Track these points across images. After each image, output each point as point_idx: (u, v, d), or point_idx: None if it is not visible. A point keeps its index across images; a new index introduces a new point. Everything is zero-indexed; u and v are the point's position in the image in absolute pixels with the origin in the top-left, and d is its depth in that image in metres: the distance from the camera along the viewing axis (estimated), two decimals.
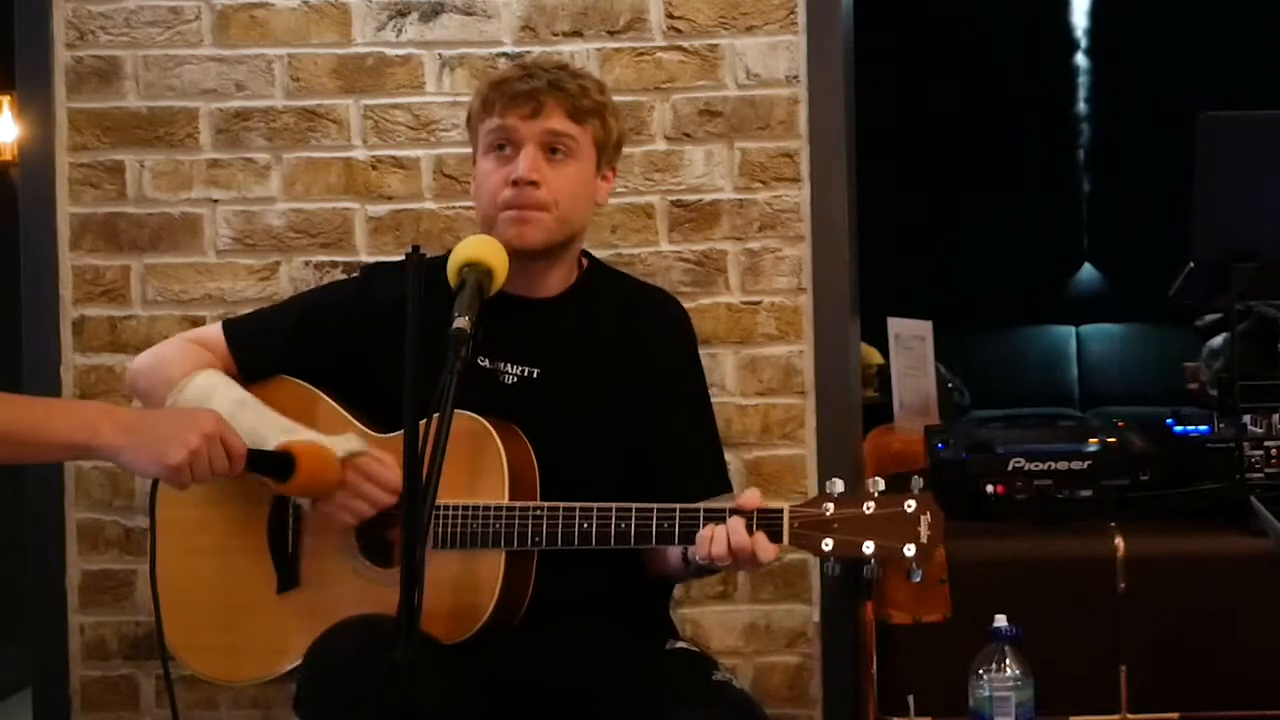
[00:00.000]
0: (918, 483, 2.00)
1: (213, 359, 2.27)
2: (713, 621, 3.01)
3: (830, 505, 1.99)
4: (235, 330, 2.32)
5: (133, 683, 3.07)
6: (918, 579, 1.99)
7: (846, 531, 1.97)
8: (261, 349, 2.28)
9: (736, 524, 2.00)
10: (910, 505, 1.98)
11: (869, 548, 1.97)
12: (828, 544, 1.98)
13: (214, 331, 2.32)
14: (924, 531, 1.96)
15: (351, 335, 2.26)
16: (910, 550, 1.96)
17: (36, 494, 3.06)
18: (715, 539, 2.00)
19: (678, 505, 2.05)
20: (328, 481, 2.08)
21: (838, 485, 2.01)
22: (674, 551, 2.13)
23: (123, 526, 3.05)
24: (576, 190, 2.21)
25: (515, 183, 2.16)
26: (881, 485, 2.00)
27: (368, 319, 2.25)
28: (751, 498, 2.03)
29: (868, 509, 1.98)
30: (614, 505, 2.05)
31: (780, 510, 2.00)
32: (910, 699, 2.45)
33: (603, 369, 2.24)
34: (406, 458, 1.67)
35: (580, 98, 2.20)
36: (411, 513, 1.66)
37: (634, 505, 2.05)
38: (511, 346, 2.19)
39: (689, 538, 2.03)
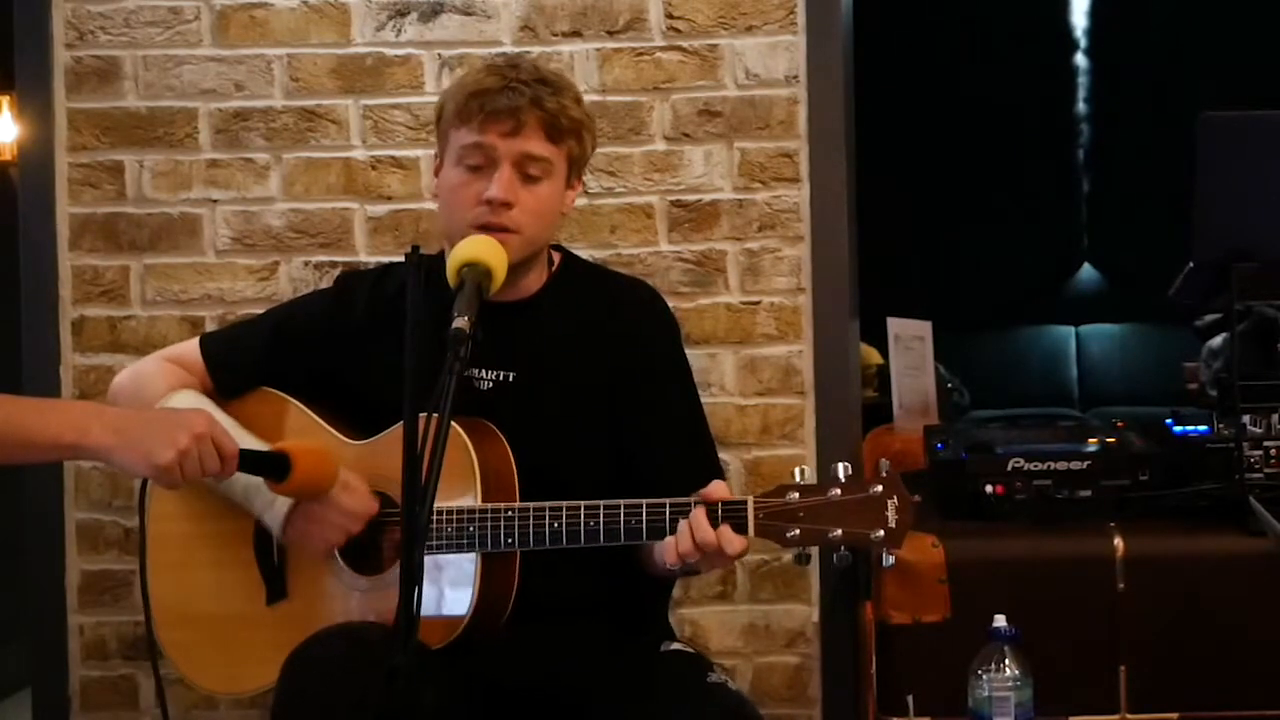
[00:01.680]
0: (885, 465, 1.98)
1: (191, 378, 2.29)
2: (712, 621, 3.01)
3: (795, 494, 1.96)
4: (211, 347, 2.33)
5: (132, 683, 3.07)
6: (890, 563, 1.96)
7: (812, 520, 1.94)
8: (237, 365, 2.30)
9: (700, 519, 1.97)
10: (877, 489, 1.95)
11: (836, 534, 1.94)
12: (793, 533, 1.95)
13: (191, 349, 2.34)
14: (891, 515, 1.94)
15: (328, 345, 2.27)
16: (878, 535, 1.93)
17: (36, 494, 3.06)
18: (680, 536, 1.97)
19: (645, 501, 2.02)
20: (326, 481, 2.07)
21: (804, 474, 1.98)
22: (659, 548, 2.10)
23: (123, 527, 3.05)
24: (546, 210, 2.19)
25: (488, 202, 2.14)
26: (848, 470, 1.97)
27: (346, 328, 2.26)
28: (716, 490, 2.01)
29: (833, 495, 1.95)
30: (583, 504, 2.03)
31: (744, 501, 1.97)
32: (910, 699, 2.45)
33: (580, 367, 2.23)
34: (406, 458, 1.67)
35: (559, 116, 2.17)
36: (411, 513, 1.66)
37: (602, 503, 2.02)
38: (485, 351, 2.11)
39: (658, 533, 2.00)
